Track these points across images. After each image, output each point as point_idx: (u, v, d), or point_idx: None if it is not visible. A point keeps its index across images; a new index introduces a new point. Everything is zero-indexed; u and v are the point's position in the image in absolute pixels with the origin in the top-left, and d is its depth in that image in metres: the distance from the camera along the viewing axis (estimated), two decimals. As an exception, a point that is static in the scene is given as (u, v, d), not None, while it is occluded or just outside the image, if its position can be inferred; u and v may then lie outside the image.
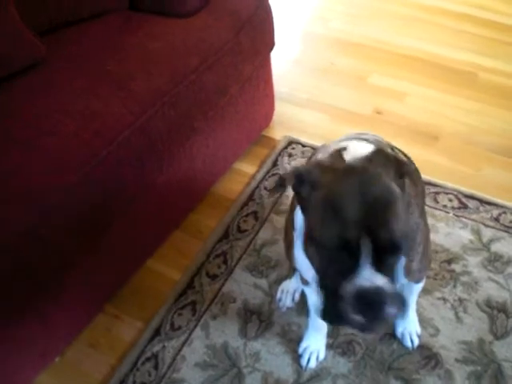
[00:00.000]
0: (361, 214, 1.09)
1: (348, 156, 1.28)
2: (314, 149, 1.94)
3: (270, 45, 2.48)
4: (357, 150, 1.31)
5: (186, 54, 2.01)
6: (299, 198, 1.25)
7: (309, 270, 1.50)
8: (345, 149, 1.32)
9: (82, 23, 2.10)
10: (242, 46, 2.20)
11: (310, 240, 1.20)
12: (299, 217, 1.39)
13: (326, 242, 1.12)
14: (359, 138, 1.51)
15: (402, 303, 1.14)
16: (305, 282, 1.71)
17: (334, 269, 1.13)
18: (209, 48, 2.07)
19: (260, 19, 2.31)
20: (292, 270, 2.11)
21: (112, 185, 1.78)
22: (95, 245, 1.87)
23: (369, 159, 1.25)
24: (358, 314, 1.11)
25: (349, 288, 1.10)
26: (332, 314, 1.17)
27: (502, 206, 2.41)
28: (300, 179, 1.20)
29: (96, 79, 1.86)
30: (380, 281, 1.09)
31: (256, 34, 2.29)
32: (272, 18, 2.42)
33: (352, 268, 1.10)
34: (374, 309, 1.10)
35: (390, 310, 1.10)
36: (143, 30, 2.07)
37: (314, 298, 1.79)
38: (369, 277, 1.09)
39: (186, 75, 1.97)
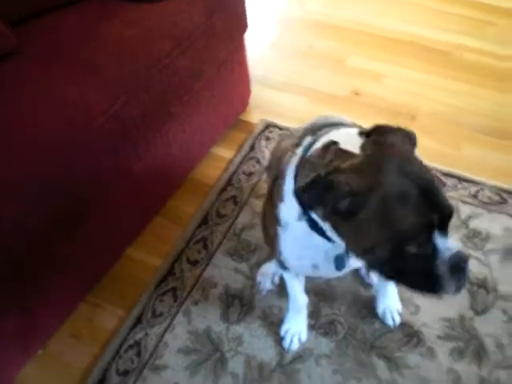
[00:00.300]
0: (422, 194, 1.11)
1: (352, 147, 1.24)
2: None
3: (243, 28, 2.47)
4: (351, 137, 1.29)
5: (160, 39, 1.99)
6: (333, 215, 1.19)
7: (295, 260, 1.53)
8: (335, 142, 1.27)
9: (57, 12, 2.06)
10: (215, 29, 2.18)
11: (373, 247, 1.17)
12: (287, 212, 1.39)
13: (409, 234, 1.12)
14: (329, 124, 1.48)
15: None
16: (284, 268, 1.71)
17: (415, 252, 1.15)
18: (182, 32, 2.04)
19: (232, 2, 2.30)
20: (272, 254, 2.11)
21: (86, 173, 1.76)
22: (73, 235, 1.85)
23: (384, 140, 1.24)
24: (455, 277, 1.17)
25: (441, 259, 1.16)
26: (429, 287, 1.21)
27: (479, 183, 2.42)
28: (335, 196, 1.13)
29: (70, 67, 1.83)
30: (457, 244, 1.20)
31: (228, 16, 2.28)
32: (243, 0, 2.40)
33: (429, 244, 1.15)
34: (466, 268, 1.19)
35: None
36: (118, 17, 2.04)
37: (294, 282, 1.81)
38: (450, 245, 1.16)
39: (160, 60, 1.95)
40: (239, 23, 2.43)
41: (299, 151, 1.37)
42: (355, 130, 1.32)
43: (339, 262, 1.47)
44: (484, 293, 2.05)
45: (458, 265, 1.16)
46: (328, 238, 1.34)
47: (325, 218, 1.24)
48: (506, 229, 2.25)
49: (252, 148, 2.65)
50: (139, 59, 1.92)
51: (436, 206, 1.12)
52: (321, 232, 1.33)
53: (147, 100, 1.92)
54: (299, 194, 1.21)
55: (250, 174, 2.52)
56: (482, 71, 3.07)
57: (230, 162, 2.60)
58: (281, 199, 1.41)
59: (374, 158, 1.18)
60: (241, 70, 2.65)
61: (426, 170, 1.19)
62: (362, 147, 1.22)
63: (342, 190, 1.12)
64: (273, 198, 1.47)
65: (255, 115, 2.86)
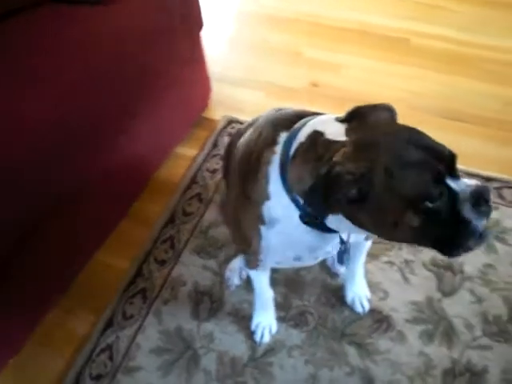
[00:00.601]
0: (420, 151, 1.12)
1: (337, 135, 1.23)
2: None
3: (199, 26, 2.47)
4: (332, 125, 1.28)
5: (116, 40, 1.97)
6: (349, 206, 1.18)
7: (276, 256, 1.53)
8: (321, 133, 1.26)
9: (4, 19, 2.03)
10: (171, 27, 2.18)
11: (399, 222, 1.15)
12: (274, 208, 1.37)
13: (424, 192, 1.11)
14: (293, 116, 1.44)
15: None
16: (254, 266, 1.70)
17: (438, 207, 1.12)
18: (138, 32, 2.04)
19: (187, 0, 2.30)
20: (239, 249, 2.12)
21: (40, 182, 1.74)
22: (36, 244, 1.84)
23: (366, 120, 1.25)
24: (480, 213, 1.14)
25: (463, 199, 1.13)
26: (465, 235, 1.16)
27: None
28: (342, 190, 1.13)
29: (20, 75, 1.79)
30: (472, 181, 1.16)
31: (182, 16, 2.27)
32: (197, -2, 2.41)
33: (446, 192, 1.13)
34: (489, 200, 1.16)
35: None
36: (70, 22, 2.01)
37: (259, 277, 1.81)
38: (466, 183, 1.15)
39: (117, 61, 1.94)
40: (195, 21, 2.43)
41: (278, 149, 1.34)
42: (330, 117, 1.32)
43: (340, 256, 1.49)
44: (451, 275, 2.08)
45: (481, 197, 1.13)
46: (325, 230, 1.33)
47: (341, 212, 1.22)
48: (468, 210, 2.28)
49: (215, 145, 2.66)
50: (96, 61, 1.90)
51: (438, 156, 1.12)
52: (319, 225, 1.33)
53: (106, 103, 1.92)
54: (307, 202, 1.22)
55: (214, 171, 2.52)
56: (435, 56, 3.11)
57: (194, 159, 2.60)
58: (266, 197, 1.37)
59: (363, 140, 1.18)
60: (200, 67, 2.65)
61: (413, 129, 1.18)
62: (347, 133, 1.22)
63: (346, 182, 1.11)
64: (250, 198, 1.42)
65: (217, 112, 2.86)
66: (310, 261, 1.61)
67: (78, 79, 1.82)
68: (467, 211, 1.12)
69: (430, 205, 1.11)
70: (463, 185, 1.13)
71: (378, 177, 1.12)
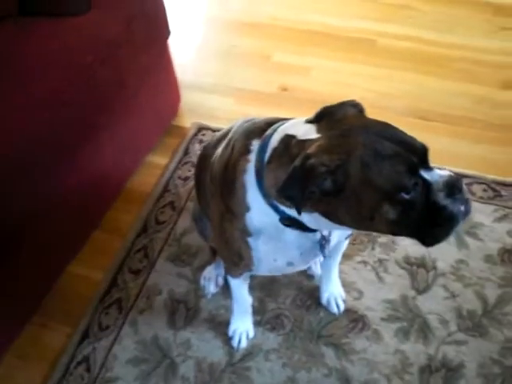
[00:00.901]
0: (393, 143, 1.14)
1: (309, 135, 1.23)
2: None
3: (165, 33, 2.46)
4: (303, 127, 1.28)
5: (78, 52, 1.96)
6: (324, 199, 1.18)
7: (269, 263, 1.50)
8: (294, 136, 1.26)
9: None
10: (135, 37, 2.17)
11: (375, 213, 1.16)
12: (257, 218, 1.37)
13: (398, 184, 1.12)
14: (262, 124, 1.43)
15: None
16: (237, 275, 1.71)
17: (418, 202, 1.15)
18: (101, 43, 2.03)
19: (151, 9, 2.30)
20: (213, 256, 2.12)
21: (11, 197, 1.74)
22: (7, 259, 1.83)
23: (336, 116, 1.27)
24: (457, 201, 1.16)
25: (437, 189, 1.15)
26: (443, 224, 1.18)
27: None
28: (316, 181, 1.13)
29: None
30: (445, 172, 1.18)
31: (149, 24, 2.27)
32: (164, 6, 2.39)
33: (420, 183, 1.14)
34: (463, 187, 1.18)
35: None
36: (35, 34, 2.01)
37: (240, 286, 1.81)
38: (439, 174, 1.17)
39: (81, 73, 1.94)
40: (161, 30, 2.43)
41: (252, 157, 1.34)
42: (299, 120, 1.33)
43: (322, 249, 1.47)
44: (424, 272, 2.10)
45: (454, 186, 1.16)
46: (307, 230, 1.34)
47: (317, 209, 1.23)
48: (439, 207, 2.30)
49: (186, 152, 2.65)
50: (58, 74, 1.89)
51: (410, 149, 1.14)
52: (299, 226, 1.33)
53: (71, 115, 1.91)
54: (282, 195, 1.21)
55: (186, 179, 2.52)
56: (401, 56, 3.13)
57: (166, 168, 2.60)
58: (246, 209, 1.37)
59: (335, 134, 1.19)
60: (168, 75, 2.64)
61: (383, 123, 1.21)
62: (318, 131, 1.22)
63: (320, 172, 1.12)
64: (232, 211, 1.42)
65: (187, 119, 2.85)
66: (302, 265, 1.61)
67: (37, 93, 1.82)
68: (442, 199, 1.15)
69: (405, 196, 1.12)
70: (436, 175, 1.15)
71: (354, 169, 1.13)
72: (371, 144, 1.13)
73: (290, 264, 1.52)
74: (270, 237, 1.40)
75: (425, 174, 1.14)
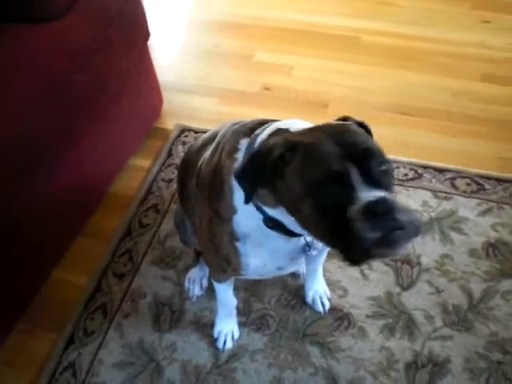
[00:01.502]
0: (340, 149, 1.12)
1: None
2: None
3: (145, 36, 2.45)
4: (303, 123, 1.32)
5: (55, 58, 1.94)
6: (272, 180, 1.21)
7: (258, 268, 1.49)
8: (286, 130, 1.29)
9: None
10: (113, 41, 2.16)
11: (300, 206, 1.17)
12: (243, 221, 1.37)
13: (315, 184, 1.12)
14: (254, 123, 1.44)
15: (413, 214, 1.13)
16: (222, 279, 1.72)
17: (339, 209, 1.10)
18: (78, 48, 2.01)
19: (129, 12, 2.28)
20: (197, 258, 2.11)
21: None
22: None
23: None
24: (376, 229, 1.07)
25: (356, 210, 1.08)
26: (356, 252, 1.12)
27: (394, 161, 2.46)
28: (266, 158, 1.18)
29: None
30: (380, 193, 1.09)
31: (127, 27, 2.26)
32: (143, 8, 2.39)
33: (351, 200, 1.10)
34: (388, 216, 1.07)
35: (403, 216, 1.09)
36: (8, 40, 1.99)
37: (224, 288, 1.81)
38: (368, 193, 1.09)
39: (57, 79, 1.91)
40: (140, 33, 2.41)
41: (239, 155, 1.35)
42: (300, 120, 1.35)
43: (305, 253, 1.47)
44: (408, 268, 2.10)
45: (375, 210, 1.07)
46: (289, 233, 1.34)
47: (275, 199, 1.25)
48: (423, 203, 2.31)
49: (169, 154, 2.65)
50: (34, 80, 1.87)
51: (353, 157, 1.11)
52: (281, 228, 1.33)
53: (50, 121, 1.89)
54: (239, 176, 1.24)
55: (170, 181, 2.51)
56: (383, 52, 3.15)
57: (149, 170, 2.59)
58: (233, 211, 1.37)
59: (307, 129, 1.22)
60: (149, 77, 2.63)
61: (347, 129, 1.19)
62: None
63: (272, 150, 1.16)
64: (220, 215, 1.42)
65: (170, 121, 2.85)
66: (291, 268, 1.60)
67: (11, 101, 1.80)
68: (357, 218, 1.08)
69: (325, 199, 1.12)
70: (366, 193, 1.10)
71: (296, 158, 1.15)
72: (319, 141, 1.14)
73: (279, 269, 1.52)
74: (258, 242, 1.40)
75: (359, 188, 1.10)
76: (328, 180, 1.10)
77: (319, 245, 1.47)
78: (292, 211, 1.22)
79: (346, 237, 1.09)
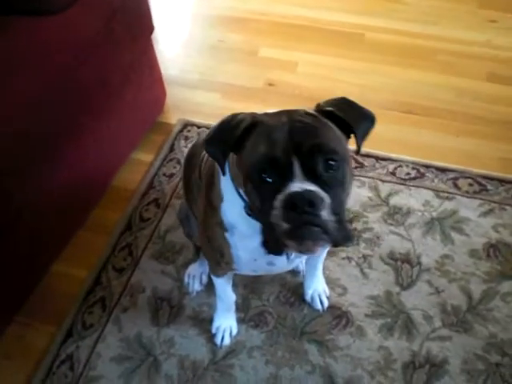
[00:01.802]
0: (289, 137, 1.14)
1: None
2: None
3: (149, 30, 2.44)
4: None
5: (57, 51, 1.93)
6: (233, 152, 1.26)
7: (249, 262, 1.50)
8: None
9: None
10: (116, 34, 2.15)
11: (247, 180, 1.20)
12: (229, 210, 1.38)
13: (256, 164, 1.15)
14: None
15: (340, 220, 1.13)
16: (220, 274, 1.71)
17: (270, 194, 1.13)
18: (80, 42, 2.00)
19: (133, 5, 2.28)
20: (197, 254, 2.11)
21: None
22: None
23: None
24: (287, 220, 1.09)
25: (279, 198, 1.10)
26: (271, 239, 1.16)
27: (396, 160, 2.47)
28: (231, 127, 1.22)
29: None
30: (312, 187, 1.09)
31: (131, 20, 2.25)
32: (147, 2, 2.38)
33: (282, 189, 1.11)
34: (302, 210, 1.08)
35: (325, 214, 1.09)
36: (11, 33, 1.97)
37: (223, 284, 1.81)
38: (300, 184, 1.10)
39: (60, 73, 1.91)
40: (144, 26, 2.41)
41: None
42: None
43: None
44: (408, 267, 2.10)
45: (293, 200, 1.08)
46: None
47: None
48: (425, 202, 2.30)
49: (172, 149, 2.64)
50: (37, 74, 1.86)
51: (300, 150, 1.12)
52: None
53: (52, 115, 1.89)
54: (208, 142, 1.27)
55: (171, 176, 2.51)
56: (388, 49, 3.15)
57: (151, 164, 2.59)
58: (221, 199, 1.40)
59: (271, 112, 1.26)
60: (152, 72, 2.62)
61: (312, 127, 1.18)
62: None
63: (240, 123, 1.20)
64: (212, 204, 1.44)
65: (173, 115, 2.85)
66: (284, 265, 1.59)
67: (14, 93, 1.78)
68: (276, 208, 1.11)
69: (259, 182, 1.15)
70: (298, 184, 1.10)
71: (254, 134, 1.19)
72: (276, 125, 1.17)
73: (270, 264, 1.51)
74: (245, 234, 1.40)
75: (293, 179, 1.11)
76: (268, 165, 1.13)
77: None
78: (244, 188, 1.25)
79: (267, 223, 1.14)
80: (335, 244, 1.16)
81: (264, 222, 1.17)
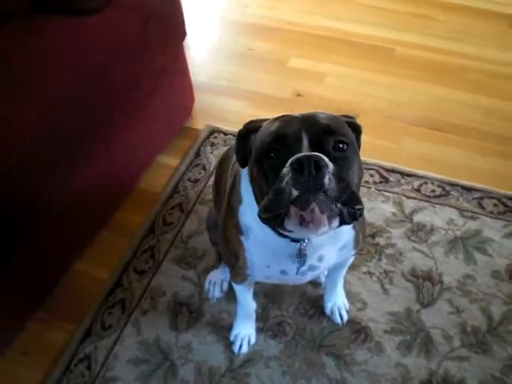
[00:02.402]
0: (301, 120, 1.16)
1: None
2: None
3: (181, 35, 2.46)
4: None
5: (92, 51, 1.96)
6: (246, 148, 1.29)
7: (262, 269, 1.50)
8: None
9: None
10: (150, 38, 2.17)
11: (254, 164, 1.20)
12: (247, 213, 1.38)
13: (265, 142, 1.16)
14: None
15: (348, 197, 1.09)
16: (240, 281, 1.70)
17: (277, 169, 1.11)
18: (115, 43, 2.03)
19: (168, 10, 2.29)
20: (219, 260, 2.11)
21: (24, 193, 1.74)
22: (15, 253, 1.83)
23: None
24: (294, 183, 1.06)
25: (287, 164, 1.08)
26: (273, 207, 1.11)
27: (422, 177, 2.46)
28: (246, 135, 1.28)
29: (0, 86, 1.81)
30: (320, 155, 1.07)
31: (165, 25, 2.27)
32: (181, 8, 2.40)
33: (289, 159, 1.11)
34: (309, 172, 1.05)
35: (331, 183, 1.06)
36: (47, 31, 2.01)
37: (244, 291, 1.81)
38: (307, 151, 1.10)
39: (93, 73, 1.93)
40: (177, 32, 2.42)
41: None
42: None
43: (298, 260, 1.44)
44: (429, 285, 2.09)
45: (300, 162, 1.06)
46: (279, 233, 1.32)
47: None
48: (449, 220, 2.29)
49: (197, 154, 2.65)
50: (72, 72, 1.88)
51: (309, 130, 1.13)
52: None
53: (83, 114, 1.91)
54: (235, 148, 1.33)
55: (196, 181, 2.52)
56: (418, 65, 3.14)
57: (176, 169, 2.60)
58: (239, 201, 1.40)
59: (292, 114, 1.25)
60: (182, 77, 2.64)
61: (322, 116, 1.19)
62: None
63: (244, 132, 1.29)
64: (232, 206, 1.44)
65: (200, 121, 2.86)
66: (297, 277, 1.58)
67: (48, 91, 1.82)
68: (281, 178, 1.08)
69: (266, 159, 1.15)
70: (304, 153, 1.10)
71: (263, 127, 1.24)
72: (286, 116, 1.21)
73: (283, 272, 1.49)
74: (259, 240, 1.40)
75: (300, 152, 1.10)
76: (277, 142, 1.14)
77: (329, 259, 1.48)
78: (250, 177, 1.26)
79: (273, 193, 1.10)
80: (341, 220, 1.10)
81: (269, 199, 1.12)
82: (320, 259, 1.44)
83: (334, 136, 1.13)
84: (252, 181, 1.24)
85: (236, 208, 1.41)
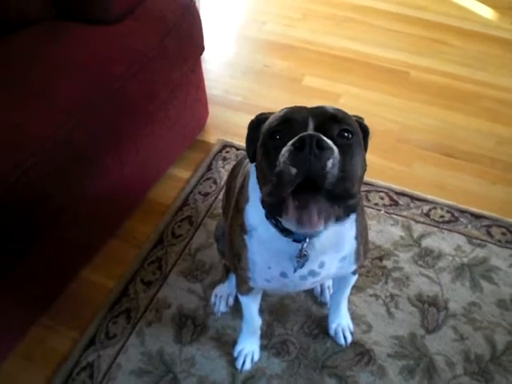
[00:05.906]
0: (309, 109, 1.20)
1: None
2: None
3: (199, 50, 2.48)
4: None
5: (110, 62, 1.99)
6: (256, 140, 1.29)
7: (263, 270, 1.49)
8: None
9: (5, 35, 2.05)
10: (169, 51, 2.19)
11: (260, 150, 1.22)
12: (253, 213, 1.39)
13: (271, 126, 1.18)
14: None
15: (346, 188, 1.09)
16: (245, 291, 1.71)
17: (280, 149, 1.11)
18: (133, 55, 2.05)
19: (187, 25, 2.30)
20: (226, 275, 2.12)
21: (36, 198, 1.75)
22: (19, 262, 1.84)
23: None
24: (297, 160, 1.05)
25: (289, 143, 1.09)
26: (273, 195, 1.11)
27: (432, 202, 2.46)
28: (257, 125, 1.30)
29: (18, 91, 1.83)
30: (324, 137, 1.07)
31: (183, 39, 2.29)
32: (200, 23, 2.41)
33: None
34: (309, 150, 1.04)
35: (332, 165, 1.05)
36: (67, 39, 2.03)
37: (250, 305, 1.81)
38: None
39: (111, 83, 1.95)
40: (195, 46, 2.44)
41: None
42: None
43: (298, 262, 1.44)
44: (435, 311, 2.09)
45: (303, 138, 1.05)
46: (286, 232, 1.32)
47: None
48: (457, 247, 2.29)
49: (209, 168, 2.67)
50: (89, 82, 1.91)
51: (316, 116, 1.15)
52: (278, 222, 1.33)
53: (98, 123, 1.92)
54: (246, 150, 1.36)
55: (207, 195, 2.53)
56: (432, 90, 3.14)
57: (187, 182, 2.61)
58: (246, 200, 1.41)
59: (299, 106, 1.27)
60: (198, 91, 2.65)
61: (329, 107, 1.22)
62: None
63: (255, 122, 1.33)
64: (239, 206, 1.46)
65: (213, 135, 2.87)
66: (297, 281, 1.58)
67: (63, 99, 1.85)
68: (283, 155, 1.08)
69: (271, 142, 1.16)
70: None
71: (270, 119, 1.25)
72: (297, 108, 1.23)
73: (283, 275, 1.48)
74: (262, 239, 1.41)
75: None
76: (283, 124, 1.16)
77: (330, 267, 1.48)
78: (256, 168, 1.27)
79: (274, 177, 1.10)
80: (337, 217, 1.12)
81: (271, 184, 1.12)
82: (321, 265, 1.44)
83: (339, 124, 1.15)
84: (257, 167, 1.25)
85: (242, 207, 1.43)
